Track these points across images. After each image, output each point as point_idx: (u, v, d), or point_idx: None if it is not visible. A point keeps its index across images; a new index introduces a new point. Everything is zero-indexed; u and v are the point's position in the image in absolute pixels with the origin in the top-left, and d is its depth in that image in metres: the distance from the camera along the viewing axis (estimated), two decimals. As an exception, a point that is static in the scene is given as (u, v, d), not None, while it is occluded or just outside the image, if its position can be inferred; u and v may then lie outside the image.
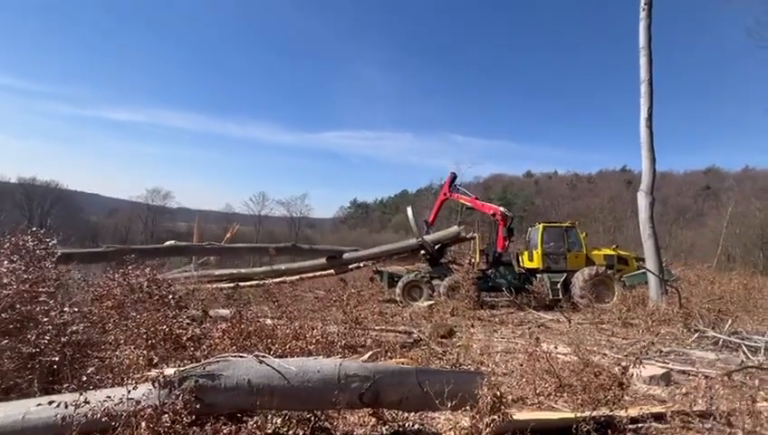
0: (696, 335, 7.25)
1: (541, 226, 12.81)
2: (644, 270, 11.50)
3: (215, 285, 13.13)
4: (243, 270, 15.00)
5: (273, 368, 3.09)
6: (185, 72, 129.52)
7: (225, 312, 6.96)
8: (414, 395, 3.20)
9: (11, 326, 3.99)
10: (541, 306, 11.63)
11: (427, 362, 5.34)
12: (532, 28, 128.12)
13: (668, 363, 5.57)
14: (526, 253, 13.23)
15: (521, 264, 13.36)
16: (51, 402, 2.56)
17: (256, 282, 13.25)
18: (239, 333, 4.55)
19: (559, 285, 11.81)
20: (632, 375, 3.51)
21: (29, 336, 3.90)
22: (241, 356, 3.29)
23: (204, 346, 4.41)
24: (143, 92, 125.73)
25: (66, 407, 2.50)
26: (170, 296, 4.86)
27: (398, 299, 12.18)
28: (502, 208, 13.48)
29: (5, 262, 4.61)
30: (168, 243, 16.00)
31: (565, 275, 11.96)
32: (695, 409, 3.12)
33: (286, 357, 3.87)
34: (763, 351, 5.76)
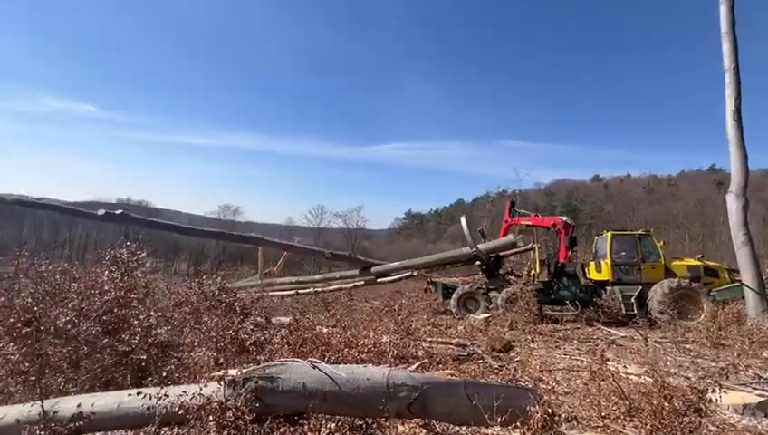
0: (809, 360, 6.16)
1: (609, 234, 11.84)
2: (739, 283, 10.08)
3: (277, 294, 14.01)
4: (301, 278, 15.79)
5: (326, 373, 3.26)
6: (246, 98, 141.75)
7: (285, 319, 7.39)
8: (463, 408, 3.16)
9: (110, 327, 4.65)
10: (612, 322, 10.67)
11: (481, 376, 5.19)
12: (587, 23, 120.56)
13: (769, 391, 4.81)
14: (593, 263, 12.28)
15: (587, 275, 12.42)
16: (139, 393, 2.96)
17: (313, 289, 13.90)
18: (297, 339, 4.83)
19: (633, 299, 10.76)
20: (710, 401, 3.10)
21: (123, 336, 4.52)
22: (297, 361, 3.51)
23: (265, 351, 4.75)
24: (213, 118, 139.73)
25: (150, 398, 2.87)
26: (236, 304, 5.31)
27: (452, 311, 11.95)
28: (563, 217, 12.75)
29: (106, 272, 5.40)
30: (252, 234, 18.03)
31: (640, 287, 10.88)
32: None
33: (340, 364, 4.04)
34: None
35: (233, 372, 3.02)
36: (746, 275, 9.69)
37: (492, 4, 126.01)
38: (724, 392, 3.31)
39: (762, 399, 4.21)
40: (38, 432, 2.79)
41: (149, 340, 4.55)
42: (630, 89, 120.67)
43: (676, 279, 10.52)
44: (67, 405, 3.12)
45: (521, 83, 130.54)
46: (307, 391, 3.18)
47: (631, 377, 5.12)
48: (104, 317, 4.68)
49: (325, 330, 5.57)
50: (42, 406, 2.96)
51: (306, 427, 3.28)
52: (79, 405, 3.09)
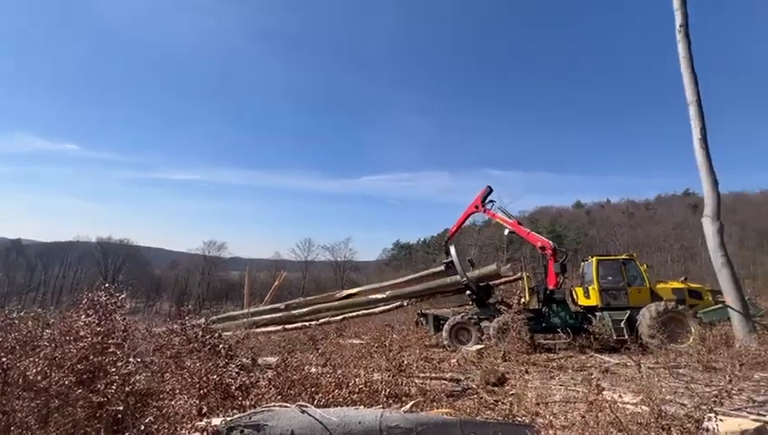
0: (799, 381, 6.20)
1: (594, 259, 12.01)
2: (723, 305, 10.23)
3: (262, 330, 13.59)
4: (294, 311, 15.37)
5: (315, 418, 3.11)
6: (234, 132, 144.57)
7: (272, 359, 7.10)
8: (460, 450, 3.03)
9: (84, 376, 4.37)
10: (604, 348, 10.60)
11: (476, 413, 5.01)
12: (566, 51, 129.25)
13: (765, 415, 4.78)
14: (581, 289, 12.34)
15: (576, 301, 12.45)
16: (113, 451, 2.74)
17: (301, 324, 13.57)
18: (284, 381, 4.62)
19: (622, 324, 10.78)
20: (707, 429, 3.06)
21: (99, 386, 4.24)
22: (285, 406, 3.35)
23: (251, 395, 4.52)
24: (200, 154, 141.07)
25: (126, 456, 2.66)
26: (221, 346, 5.10)
27: (445, 343, 11.72)
28: (552, 243, 12.76)
29: (83, 316, 5.15)
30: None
31: (629, 312, 10.94)
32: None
33: (330, 406, 3.86)
34: None
35: (216, 421, 2.85)
36: (729, 297, 9.88)
37: (478, 38, 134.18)
38: (721, 420, 3.28)
39: (758, 424, 4.17)
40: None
41: (127, 388, 4.28)
42: (604, 117, 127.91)
43: (663, 302, 10.63)
44: (33, 467, 2.87)
45: (504, 115, 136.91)
46: (296, 439, 3.02)
47: (628, 406, 5.03)
48: (79, 366, 4.41)
49: (314, 370, 5.36)
50: (4, 470, 2.71)
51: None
52: (46, 467, 2.84)
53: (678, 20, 11.48)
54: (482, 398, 5.74)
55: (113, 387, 4.18)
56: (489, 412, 5.23)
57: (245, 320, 13.86)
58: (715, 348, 8.88)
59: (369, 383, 4.94)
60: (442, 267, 13.83)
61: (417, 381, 6.05)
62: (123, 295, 6.24)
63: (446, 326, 11.97)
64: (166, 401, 4.29)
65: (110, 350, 4.82)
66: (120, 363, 4.50)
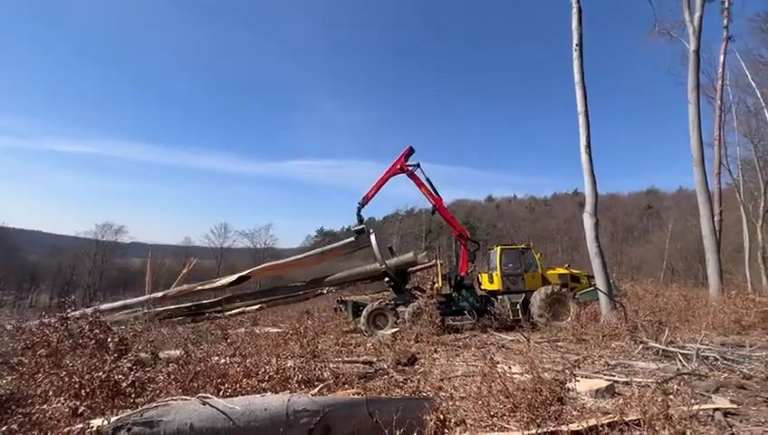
0: (641, 347, 7.72)
1: (498, 248, 13.31)
2: (594, 287, 12.18)
3: (170, 320, 12.48)
4: (206, 301, 14.23)
5: (218, 409, 2.99)
6: (141, 104, 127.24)
7: (176, 353, 6.59)
8: (366, 426, 3.19)
9: None
10: (503, 328, 11.90)
11: (386, 392, 5.29)
12: (485, 62, 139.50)
13: (614, 376, 5.88)
14: (486, 275, 13.62)
15: (481, 286, 13.71)
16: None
17: (210, 313, 12.75)
18: (187, 374, 4.34)
19: (518, 306, 12.20)
20: (569, 390, 3.70)
21: (-60, 395, 3.54)
22: (184, 399, 3.16)
23: (148, 391, 4.16)
24: (92, 123, 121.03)
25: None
26: (110, 340, 4.57)
27: (362, 328, 12.03)
28: (468, 233, 13.79)
29: None
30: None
31: (524, 295, 12.39)
32: (629, 418, 3.33)
33: (237, 396, 3.74)
34: (695, 358, 6.24)
35: (97, 421, 2.58)
36: (599, 281, 11.78)
37: (406, 34, 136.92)
38: (578, 381, 3.97)
39: (608, 383, 5.11)
40: None
41: (-18, 395, 3.64)
42: (518, 120, 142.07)
43: (551, 286, 12.26)
44: None
45: (431, 111, 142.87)
46: (196, 432, 2.88)
47: (516, 376, 5.76)
48: None
49: (222, 360, 5.11)
50: None
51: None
52: None
53: (575, 39, 13.06)
54: (392, 377, 6.06)
55: (-39, 395, 3.53)
56: (398, 390, 5.54)
57: (144, 311, 12.53)
58: (586, 323, 10.55)
59: (280, 371, 4.88)
60: (353, 238, 13.41)
61: (331, 365, 6.14)
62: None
63: (364, 312, 12.26)
64: (36, 407, 3.74)
65: (-41, 351, 4.04)
66: (-29, 367, 3.80)
